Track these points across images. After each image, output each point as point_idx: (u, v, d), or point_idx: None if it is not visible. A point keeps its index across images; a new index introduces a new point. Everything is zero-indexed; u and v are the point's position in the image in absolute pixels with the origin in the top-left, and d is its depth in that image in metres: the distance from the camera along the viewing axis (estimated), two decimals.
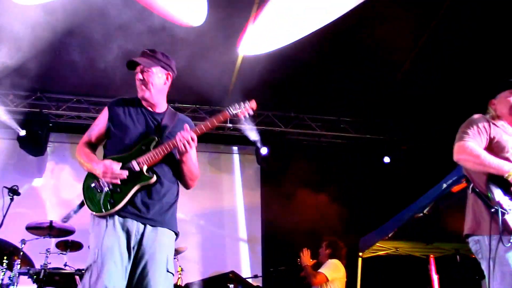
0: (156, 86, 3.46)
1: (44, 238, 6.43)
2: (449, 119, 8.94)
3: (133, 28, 6.97)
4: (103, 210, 3.13)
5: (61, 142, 9.70)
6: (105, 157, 3.35)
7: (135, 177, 3.18)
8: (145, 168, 3.20)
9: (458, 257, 8.87)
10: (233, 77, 8.69)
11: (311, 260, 6.86)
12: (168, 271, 3.14)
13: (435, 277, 8.72)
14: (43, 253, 6.14)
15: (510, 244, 3.14)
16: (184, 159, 3.31)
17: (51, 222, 6.31)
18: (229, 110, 3.33)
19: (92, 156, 3.36)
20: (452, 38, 7.78)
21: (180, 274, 6.78)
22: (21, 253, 6.05)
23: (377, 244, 8.24)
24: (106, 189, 3.17)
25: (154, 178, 3.20)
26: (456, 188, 5.77)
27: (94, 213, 3.18)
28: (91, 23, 7.16)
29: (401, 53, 8.29)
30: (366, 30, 7.73)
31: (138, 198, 3.19)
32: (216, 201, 10.08)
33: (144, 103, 3.50)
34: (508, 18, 7.11)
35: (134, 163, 3.20)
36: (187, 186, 3.51)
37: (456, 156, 3.57)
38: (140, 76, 3.44)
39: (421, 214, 6.73)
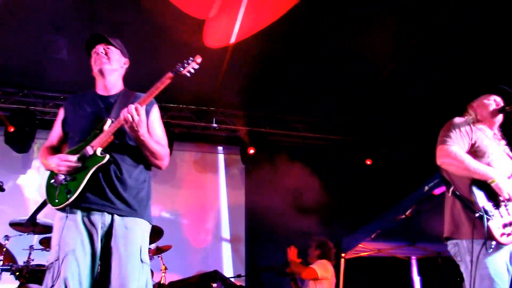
0: (115, 62, 3.35)
1: (27, 234, 6.35)
2: (432, 121, 9.06)
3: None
4: (60, 201, 2.97)
5: (47, 139, 9.58)
6: None
7: (89, 161, 3.00)
8: (98, 150, 3.01)
9: (439, 259, 8.96)
10: (219, 79, 8.68)
11: (297, 258, 6.86)
12: (142, 261, 2.94)
13: (417, 279, 8.80)
14: (27, 250, 6.06)
15: (492, 249, 3.15)
16: (139, 140, 3.05)
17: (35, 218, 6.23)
18: (172, 70, 3.11)
19: (48, 154, 3.22)
20: (438, 42, 7.83)
21: (164, 273, 6.75)
22: (4, 249, 5.98)
23: (359, 245, 8.28)
24: (63, 181, 3.01)
25: (107, 157, 2.99)
26: (438, 191, 5.82)
27: (54, 207, 3.02)
28: (78, 20, 7.13)
29: (384, 56, 8.33)
30: (352, 33, 7.75)
31: (98, 185, 3.00)
32: (201, 200, 10.05)
33: (98, 87, 3.37)
34: (493, 20, 7.16)
35: (88, 148, 3.02)
36: (156, 166, 3.25)
37: (440, 160, 3.56)
38: (101, 49, 3.32)
39: (404, 216, 6.77)
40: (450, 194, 3.46)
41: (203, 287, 6.51)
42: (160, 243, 6.75)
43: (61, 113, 3.39)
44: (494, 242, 3.15)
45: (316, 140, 10.28)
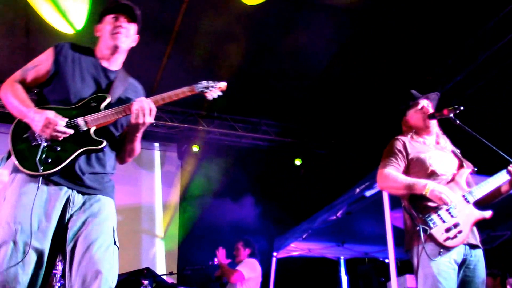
0: (130, 41, 3.05)
1: None
2: (363, 125, 9.28)
3: None
4: (40, 169, 2.53)
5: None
6: (39, 106, 2.74)
7: (80, 137, 2.66)
8: (93, 129, 2.70)
9: (367, 259, 9.16)
10: (159, 75, 8.53)
11: (226, 259, 6.82)
12: (115, 243, 2.65)
13: (344, 278, 8.94)
14: None
15: (439, 256, 3.20)
16: (135, 135, 2.86)
17: None
18: (196, 86, 2.95)
19: (29, 101, 2.71)
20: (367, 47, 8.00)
21: None
22: None
23: (291, 244, 8.33)
24: (43, 144, 2.58)
25: (104, 143, 2.70)
26: (368, 193, 5.92)
27: (25, 170, 2.55)
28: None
29: (320, 61, 8.44)
30: (288, 36, 7.80)
31: (78, 163, 2.66)
32: (135, 197, 9.84)
33: (101, 54, 3.00)
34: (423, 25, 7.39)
35: (81, 121, 2.67)
36: (123, 161, 3.03)
37: (379, 185, 3.64)
38: (125, 24, 2.98)
39: (334, 217, 6.85)
40: (403, 210, 3.50)
41: (134, 283, 6.35)
42: None
43: (50, 53, 2.89)
44: (441, 249, 3.20)
45: (253, 140, 10.27)
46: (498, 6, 6.77)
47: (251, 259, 6.84)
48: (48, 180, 2.58)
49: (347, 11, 7.30)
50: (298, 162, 10.43)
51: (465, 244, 3.29)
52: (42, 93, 2.83)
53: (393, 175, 3.47)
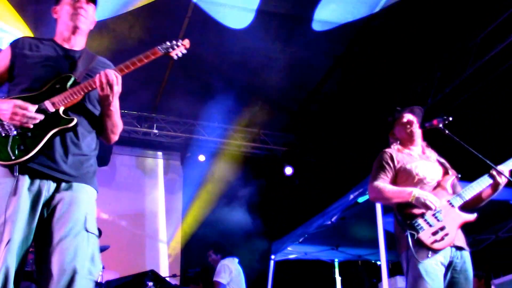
0: (90, 23, 2.93)
1: None
2: (357, 134, 9.37)
3: None
4: (12, 156, 2.41)
5: None
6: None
7: (49, 120, 2.52)
8: (61, 109, 2.57)
9: (359, 261, 9.23)
10: (161, 86, 8.63)
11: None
12: (87, 230, 2.45)
13: (338, 279, 9.02)
14: None
15: (427, 258, 3.29)
16: (108, 108, 2.69)
17: None
18: (159, 47, 2.80)
19: None
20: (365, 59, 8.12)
21: (101, 272, 6.59)
22: None
23: (288, 248, 8.41)
24: (14, 132, 2.45)
25: (75, 121, 2.56)
26: (362, 199, 6.02)
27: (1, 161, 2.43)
28: None
29: (313, 73, 8.55)
30: (284, 50, 7.92)
31: (52, 146, 2.51)
32: (139, 203, 9.92)
33: (60, 38, 2.87)
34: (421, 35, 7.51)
35: (48, 104, 2.54)
36: (108, 139, 2.85)
37: (370, 197, 3.74)
38: (84, 4, 2.85)
39: (329, 222, 6.94)
40: (394, 218, 3.60)
41: (139, 285, 6.40)
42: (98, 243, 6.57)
43: (7, 51, 2.78)
44: (430, 252, 3.29)
45: (252, 149, 10.37)
46: (486, 20, 6.90)
47: (224, 260, 6.74)
48: (24, 169, 2.43)
49: (342, 25, 7.42)
50: (288, 171, 10.44)
51: (451, 246, 3.38)
52: (8, 90, 2.73)
53: (381, 186, 3.57)
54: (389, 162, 3.70)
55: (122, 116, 8.65)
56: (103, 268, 6.63)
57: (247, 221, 9.48)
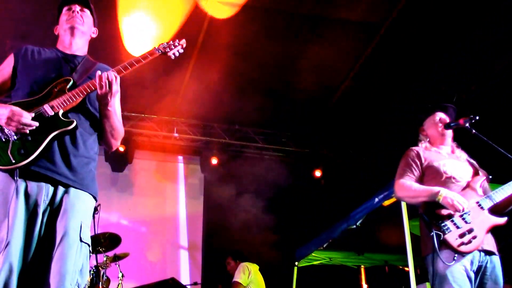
0: (87, 27, 3.03)
1: None
2: (381, 135, 9.27)
3: None
4: (13, 160, 2.46)
5: None
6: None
7: (49, 123, 2.58)
8: (61, 112, 2.63)
9: (386, 267, 9.10)
10: (182, 89, 8.63)
11: None
12: (81, 240, 2.49)
13: (365, 286, 8.90)
14: None
15: (454, 261, 3.22)
16: (107, 109, 2.73)
17: None
18: (158, 48, 2.88)
19: None
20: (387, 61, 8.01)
21: (121, 280, 6.61)
22: None
23: (312, 254, 8.33)
24: (13, 138, 2.51)
25: (74, 123, 2.62)
26: (387, 203, 5.92)
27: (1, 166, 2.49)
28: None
29: (338, 74, 8.48)
30: (306, 51, 7.86)
31: (52, 149, 2.57)
32: (159, 208, 9.94)
33: (62, 45, 2.99)
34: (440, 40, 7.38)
35: (47, 107, 2.60)
36: (109, 145, 2.89)
37: (396, 195, 3.71)
38: (78, 9, 2.98)
39: (354, 226, 6.86)
40: (420, 217, 3.55)
41: None
42: (118, 250, 6.61)
43: (10, 59, 2.88)
44: (456, 254, 3.22)
45: (273, 151, 10.32)
46: None
47: (242, 263, 6.90)
48: (24, 172, 2.50)
49: (364, 25, 7.33)
50: (318, 173, 10.41)
51: (479, 251, 3.30)
52: (10, 96, 2.81)
53: (407, 184, 3.55)
54: (416, 160, 3.66)
55: (142, 120, 8.75)
56: (123, 276, 6.66)
57: (271, 227, 9.42)
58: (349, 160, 10.40)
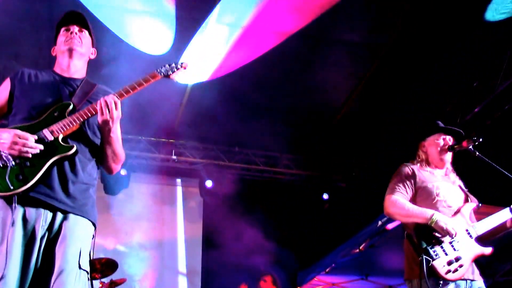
0: (86, 48, 3.02)
1: None
2: (383, 157, 9.26)
3: None
4: (11, 186, 2.45)
5: None
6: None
7: (48, 148, 2.58)
8: (60, 137, 2.63)
9: None
10: (180, 111, 8.67)
11: None
12: (80, 267, 2.49)
13: None
14: None
15: (440, 286, 3.22)
16: (108, 135, 2.73)
17: None
18: (159, 70, 2.86)
19: None
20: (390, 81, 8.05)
21: None
22: None
23: (314, 279, 8.30)
24: (11, 163, 2.49)
25: (74, 148, 2.62)
26: (390, 226, 5.92)
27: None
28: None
29: (340, 94, 8.51)
30: (308, 71, 7.90)
31: (50, 175, 2.57)
32: (157, 233, 9.89)
33: (59, 67, 2.99)
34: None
35: (47, 132, 2.60)
36: (109, 169, 2.90)
37: (386, 211, 3.67)
38: (77, 30, 2.98)
39: (357, 250, 6.85)
40: (405, 238, 3.53)
41: None
42: (114, 276, 6.58)
43: (6, 83, 2.87)
44: (441, 282, 3.22)
45: (274, 174, 10.31)
46: None
47: None
48: (22, 199, 2.49)
49: (365, 46, 7.39)
50: (325, 196, 10.35)
51: (464, 279, 3.32)
52: (8, 118, 2.82)
53: (400, 202, 3.53)
54: (410, 178, 3.65)
55: (139, 142, 8.78)
56: None
57: (271, 251, 9.38)
58: (352, 183, 10.38)
